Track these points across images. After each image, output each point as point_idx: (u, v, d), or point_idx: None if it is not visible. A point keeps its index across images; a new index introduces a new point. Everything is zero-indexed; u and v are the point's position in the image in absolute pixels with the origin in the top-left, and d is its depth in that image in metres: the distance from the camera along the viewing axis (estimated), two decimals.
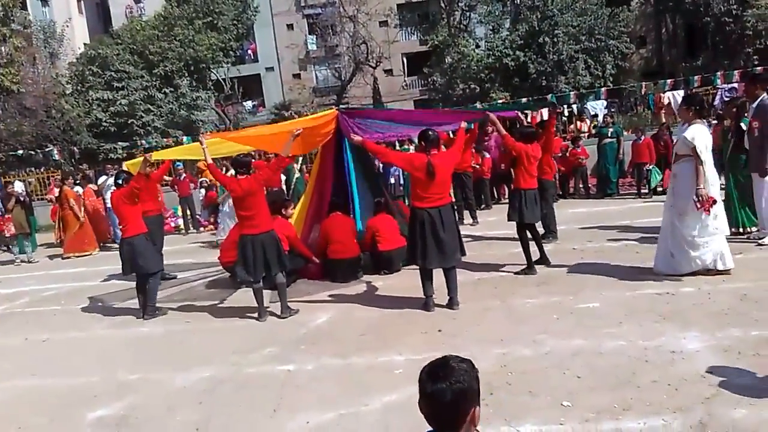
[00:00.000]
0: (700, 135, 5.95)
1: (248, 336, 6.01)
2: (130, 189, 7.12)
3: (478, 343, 5.03)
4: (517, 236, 7.33)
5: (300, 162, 13.94)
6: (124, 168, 8.66)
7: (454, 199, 7.76)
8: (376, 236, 7.99)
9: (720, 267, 6.03)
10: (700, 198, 5.79)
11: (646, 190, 12.35)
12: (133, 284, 7.45)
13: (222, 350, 5.64)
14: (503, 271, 7.39)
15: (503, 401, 3.94)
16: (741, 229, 7.71)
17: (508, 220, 7.36)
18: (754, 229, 7.60)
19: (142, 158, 7.94)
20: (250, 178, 6.40)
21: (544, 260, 7.34)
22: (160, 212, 9.67)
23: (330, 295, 7.19)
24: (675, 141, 6.41)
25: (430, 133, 6.17)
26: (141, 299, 7.23)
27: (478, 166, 13.25)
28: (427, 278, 6.12)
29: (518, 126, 8.21)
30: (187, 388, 4.86)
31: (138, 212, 7.31)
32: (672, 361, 4.25)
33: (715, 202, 5.85)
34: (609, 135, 13.12)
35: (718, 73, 17.47)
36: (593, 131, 16.93)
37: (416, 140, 7.14)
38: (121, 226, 7.45)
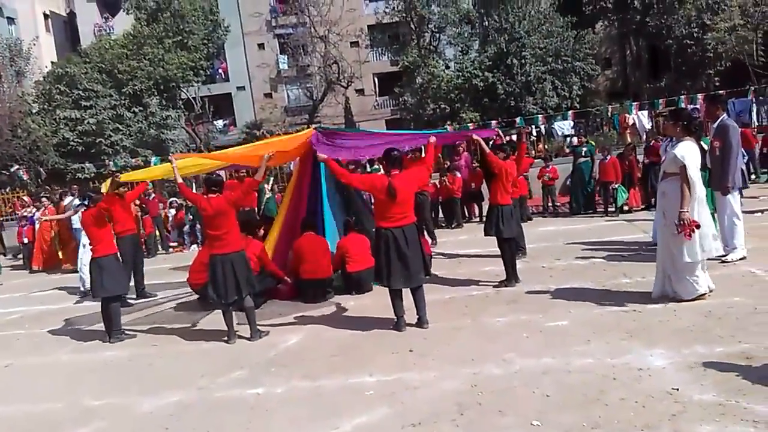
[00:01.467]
0: (690, 153, 5.70)
1: (217, 359, 5.93)
2: (98, 210, 7.03)
3: (449, 363, 5.04)
4: (487, 254, 7.40)
5: (271, 182, 13.90)
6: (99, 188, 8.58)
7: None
8: (345, 257, 7.97)
9: (705, 290, 5.88)
10: (683, 222, 5.56)
11: (613, 209, 12.55)
12: (98, 308, 7.31)
13: (190, 374, 5.55)
14: (474, 290, 7.42)
15: (473, 421, 3.95)
16: None
17: (486, 234, 7.48)
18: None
19: (110, 180, 7.89)
20: (221, 198, 6.35)
21: (514, 278, 7.41)
22: (136, 232, 9.53)
23: (300, 316, 7.14)
24: (663, 158, 6.17)
25: (393, 153, 6.27)
26: (106, 323, 7.10)
27: (449, 185, 13.39)
28: (397, 298, 6.12)
29: (493, 144, 8.34)
30: (154, 414, 4.76)
31: (108, 232, 7.23)
32: (639, 378, 4.30)
33: (698, 226, 5.61)
34: (583, 154, 13.33)
35: (682, 96, 17.98)
36: (567, 150, 17.26)
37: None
38: (90, 247, 7.33)
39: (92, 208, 7.15)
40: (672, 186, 5.81)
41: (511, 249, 7.49)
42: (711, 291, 5.93)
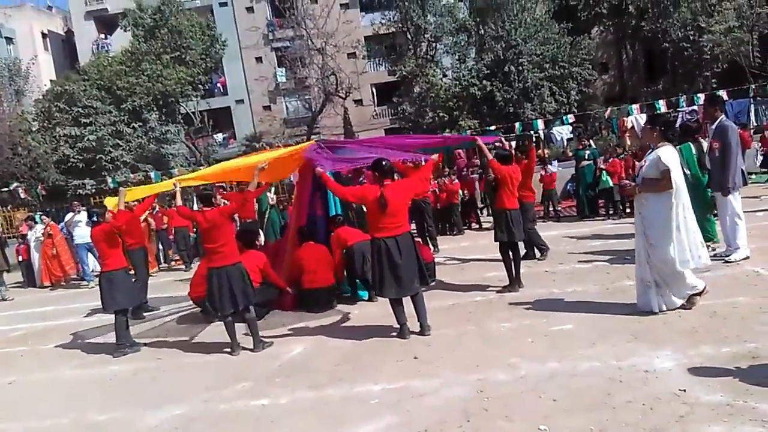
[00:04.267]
0: (672, 158, 5.47)
1: (221, 371, 5.91)
2: (110, 228, 7.06)
3: (454, 369, 5.01)
4: (490, 259, 7.38)
5: (272, 191, 13.90)
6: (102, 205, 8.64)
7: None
8: (341, 240, 7.98)
9: (697, 291, 5.69)
10: (625, 186, 5.73)
11: (613, 212, 12.54)
12: (101, 323, 7.30)
13: (194, 387, 5.53)
14: (478, 296, 7.40)
15: (480, 427, 3.92)
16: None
17: (496, 240, 7.45)
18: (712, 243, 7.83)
19: (118, 194, 7.96)
20: (215, 211, 6.37)
21: (517, 283, 7.40)
22: (143, 245, 9.58)
23: (304, 326, 7.11)
24: (641, 164, 5.88)
25: (383, 163, 6.25)
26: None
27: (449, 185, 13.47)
28: (397, 306, 6.12)
29: (496, 150, 8.34)
30: (159, 427, 4.74)
31: (118, 247, 7.24)
32: (645, 380, 4.27)
33: (631, 195, 5.59)
34: (586, 157, 13.31)
35: (683, 96, 18.02)
36: (570, 154, 17.26)
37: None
38: (100, 261, 7.36)
39: (103, 224, 7.14)
40: (652, 193, 5.57)
41: (515, 255, 7.48)
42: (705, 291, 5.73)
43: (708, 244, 7.82)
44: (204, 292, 6.75)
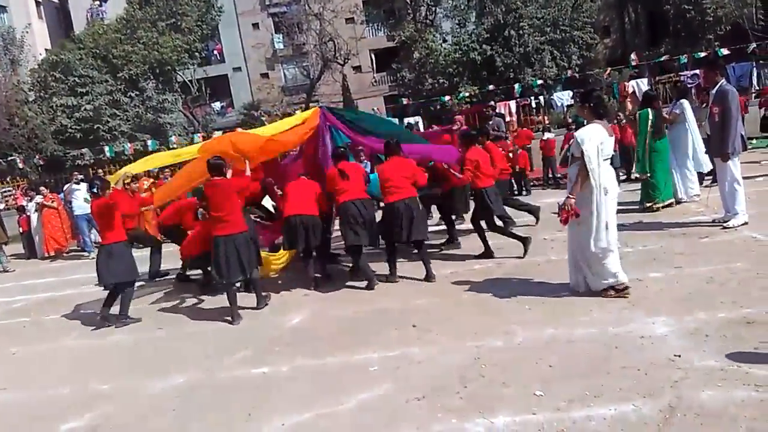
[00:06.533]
0: (592, 137, 5.24)
1: (221, 340, 5.97)
2: (107, 204, 6.99)
3: (452, 337, 5.06)
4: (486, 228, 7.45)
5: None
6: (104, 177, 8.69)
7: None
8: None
9: (622, 280, 5.40)
10: (565, 207, 5.30)
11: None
12: (103, 294, 7.35)
13: (195, 356, 5.59)
14: (476, 264, 7.44)
15: (477, 393, 3.97)
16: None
17: (472, 220, 7.84)
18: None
19: (122, 172, 7.97)
20: (224, 180, 6.45)
21: (489, 253, 7.70)
22: (137, 226, 9.70)
23: (304, 295, 7.18)
24: (571, 141, 5.59)
25: (391, 141, 7.23)
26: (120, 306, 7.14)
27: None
28: (393, 255, 7.12)
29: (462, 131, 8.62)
30: (161, 396, 4.80)
31: (117, 220, 7.18)
32: (641, 347, 4.32)
33: (578, 215, 5.27)
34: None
35: (684, 56, 17.84)
36: (569, 120, 17.11)
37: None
38: (100, 234, 7.35)
39: (102, 198, 7.10)
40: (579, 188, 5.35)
41: (490, 227, 7.81)
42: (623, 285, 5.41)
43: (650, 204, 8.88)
44: (195, 251, 7.13)
